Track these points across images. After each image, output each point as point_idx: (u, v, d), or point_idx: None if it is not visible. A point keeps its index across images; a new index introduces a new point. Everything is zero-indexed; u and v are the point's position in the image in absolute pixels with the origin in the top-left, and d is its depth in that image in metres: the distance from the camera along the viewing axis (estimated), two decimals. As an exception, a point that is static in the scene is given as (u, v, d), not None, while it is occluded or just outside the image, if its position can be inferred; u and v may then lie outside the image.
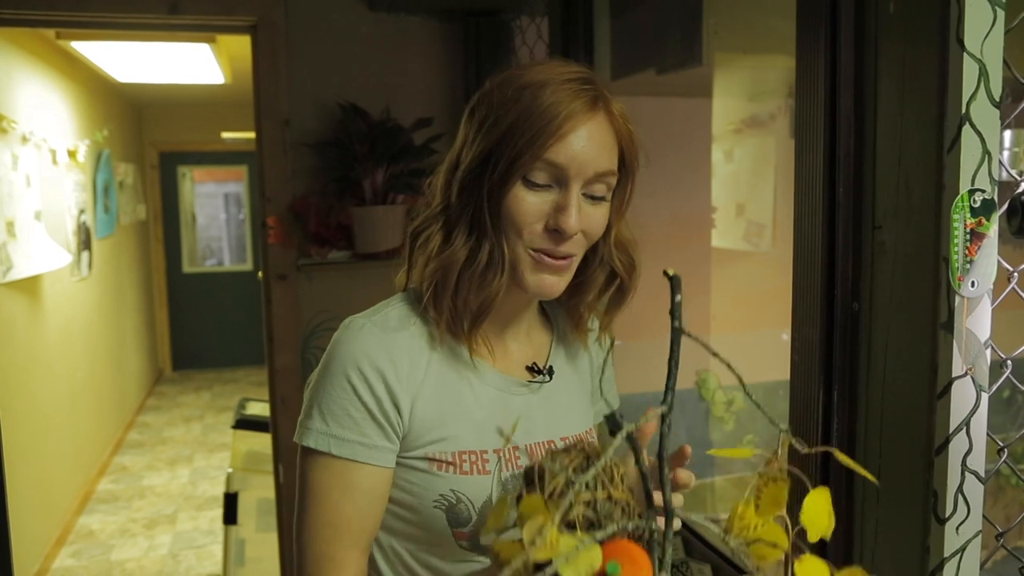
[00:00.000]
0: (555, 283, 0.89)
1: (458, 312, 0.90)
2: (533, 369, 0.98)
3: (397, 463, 0.89)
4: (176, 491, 4.61)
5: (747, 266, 2.51)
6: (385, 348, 0.88)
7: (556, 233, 0.85)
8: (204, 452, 5.28)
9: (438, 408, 0.89)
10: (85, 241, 4.69)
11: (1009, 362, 0.89)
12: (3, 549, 1.48)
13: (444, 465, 0.88)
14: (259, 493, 2.78)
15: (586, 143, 0.84)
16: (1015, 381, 0.90)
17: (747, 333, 2.52)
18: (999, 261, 0.85)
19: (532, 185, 0.85)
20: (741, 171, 2.43)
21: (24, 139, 3.62)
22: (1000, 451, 0.90)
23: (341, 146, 2.25)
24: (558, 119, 0.82)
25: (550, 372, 0.98)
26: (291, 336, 2.40)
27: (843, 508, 0.99)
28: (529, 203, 0.85)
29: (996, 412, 0.90)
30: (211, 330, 7.43)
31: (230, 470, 2.76)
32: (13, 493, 3.21)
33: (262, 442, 2.70)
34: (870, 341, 0.95)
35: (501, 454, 0.90)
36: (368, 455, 0.87)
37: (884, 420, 0.94)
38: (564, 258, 0.88)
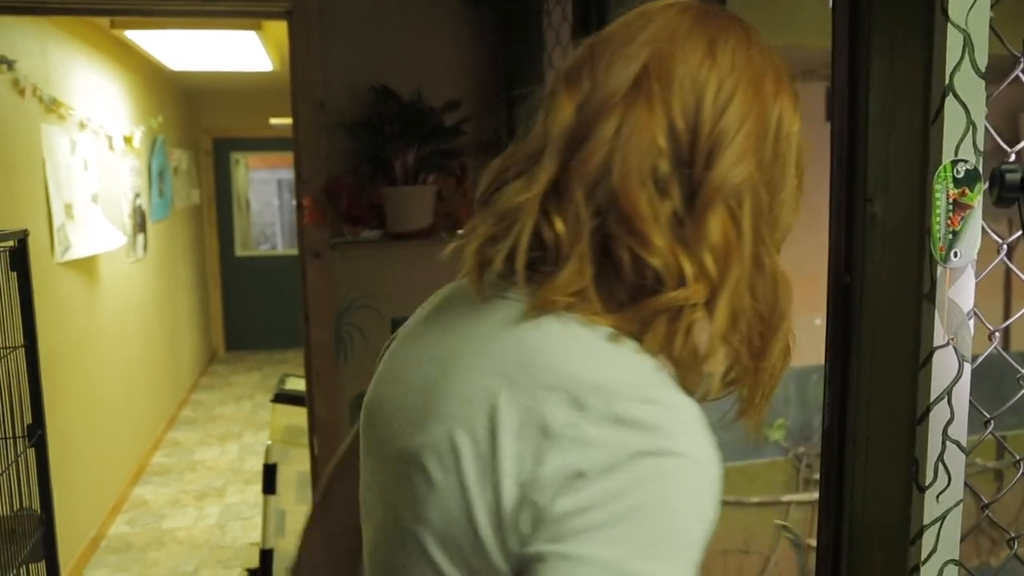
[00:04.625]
0: None
1: None
2: None
3: None
4: (225, 465, 4.78)
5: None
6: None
7: None
8: (253, 429, 5.45)
9: None
10: (140, 224, 4.86)
11: (997, 333, 0.89)
12: (48, 523, 1.58)
13: None
14: (298, 466, 2.87)
15: None
16: (1002, 352, 0.90)
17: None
18: (989, 232, 0.85)
19: None
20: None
21: (82, 125, 3.78)
22: (987, 423, 0.90)
23: (373, 128, 2.30)
24: None
25: None
26: (326, 313, 2.47)
27: (834, 477, 1.00)
28: None
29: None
30: (262, 312, 7.62)
31: (269, 442, 2.86)
32: (72, 465, 3.38)
33: (301, 416, 2.79)
34: (861, 313, 0.96)
35: None
36: None
37: (872, 391, 0.95)
38: None
